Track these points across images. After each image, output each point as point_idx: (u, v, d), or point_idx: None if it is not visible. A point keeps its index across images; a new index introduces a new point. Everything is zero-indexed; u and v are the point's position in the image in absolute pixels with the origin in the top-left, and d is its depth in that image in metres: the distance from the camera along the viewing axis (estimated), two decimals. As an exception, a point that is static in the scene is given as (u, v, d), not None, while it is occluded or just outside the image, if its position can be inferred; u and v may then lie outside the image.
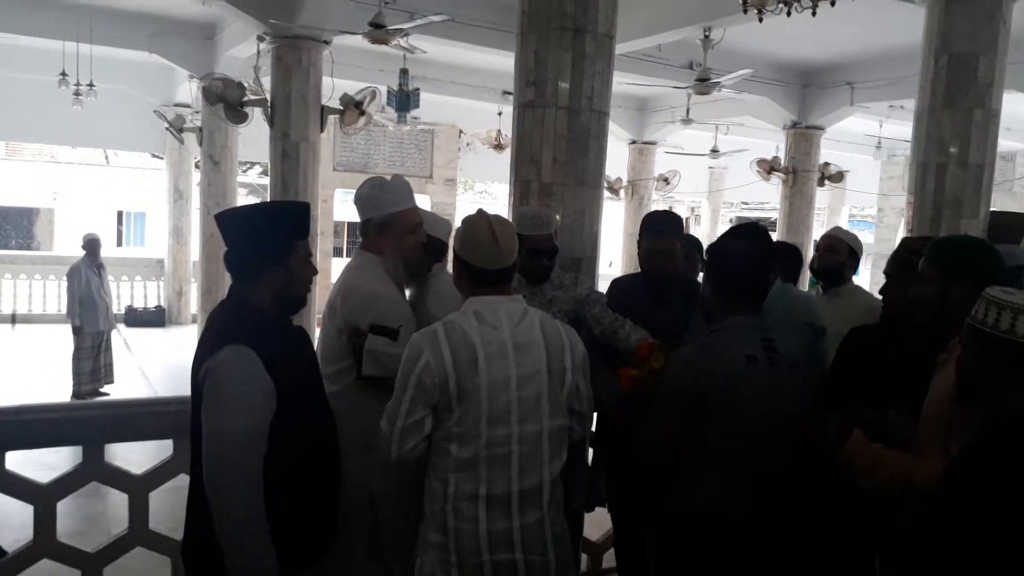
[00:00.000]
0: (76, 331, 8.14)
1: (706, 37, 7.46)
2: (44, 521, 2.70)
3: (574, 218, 3.81)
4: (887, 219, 18.52)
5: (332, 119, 8.43)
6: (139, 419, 2.87)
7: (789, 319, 2.74)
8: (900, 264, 2.52)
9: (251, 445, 1.99)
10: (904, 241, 2.81)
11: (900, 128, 12.49)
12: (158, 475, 2.85)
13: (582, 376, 2.24)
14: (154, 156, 18.53)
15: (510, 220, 2.85)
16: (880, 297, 2.65)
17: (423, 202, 16.00)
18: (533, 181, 3.81)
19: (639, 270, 3.35)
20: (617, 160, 15.31)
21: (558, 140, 3.76)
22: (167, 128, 11.08)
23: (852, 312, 3.10)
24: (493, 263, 2.15)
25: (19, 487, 2.69)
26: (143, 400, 3.29)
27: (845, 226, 21.17)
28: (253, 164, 20.66)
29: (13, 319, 12.94)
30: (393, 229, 2.72)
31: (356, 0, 7.05)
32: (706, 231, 21.27)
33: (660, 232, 3.18)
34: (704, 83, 7.67)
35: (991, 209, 5.57)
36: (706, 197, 21.39)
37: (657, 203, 15.93)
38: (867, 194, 18.12)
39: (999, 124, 5.42)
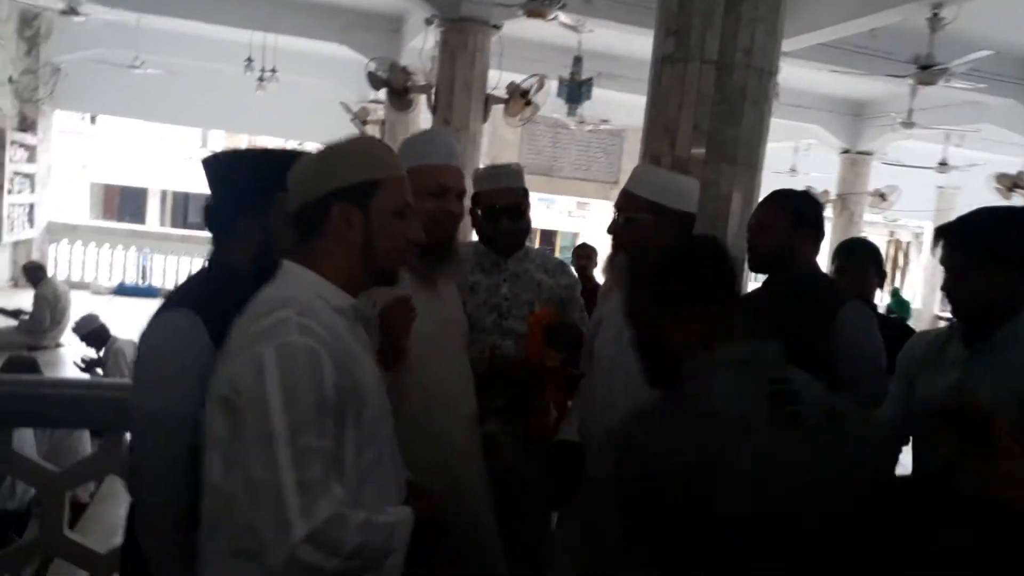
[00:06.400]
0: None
1: (935, 16, 6.17)
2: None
3: (716, 204, 2.96)
4: None
5: (513, 123, 7.96)
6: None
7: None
8: None
9: (175, 431, 1.53)
10: None
11: None
12: (78, 472, 2.45)
13: None
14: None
15: None
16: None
17: (605, 208, 15.36)
18: (664, 155, 3.02)
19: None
20: (826, 170, 13.83)
21: (701, 103, 2.94)
22: (352, 120, 11.20)
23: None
24: None
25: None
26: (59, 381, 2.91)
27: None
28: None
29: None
30: (411, 187, 2.15)
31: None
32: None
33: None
34: (929, 71, 6.35)
35: None
36: (932, 219, 18.93)
37: (870, 223, 14.22)
38: None
39: None
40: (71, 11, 8.54)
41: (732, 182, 2.98)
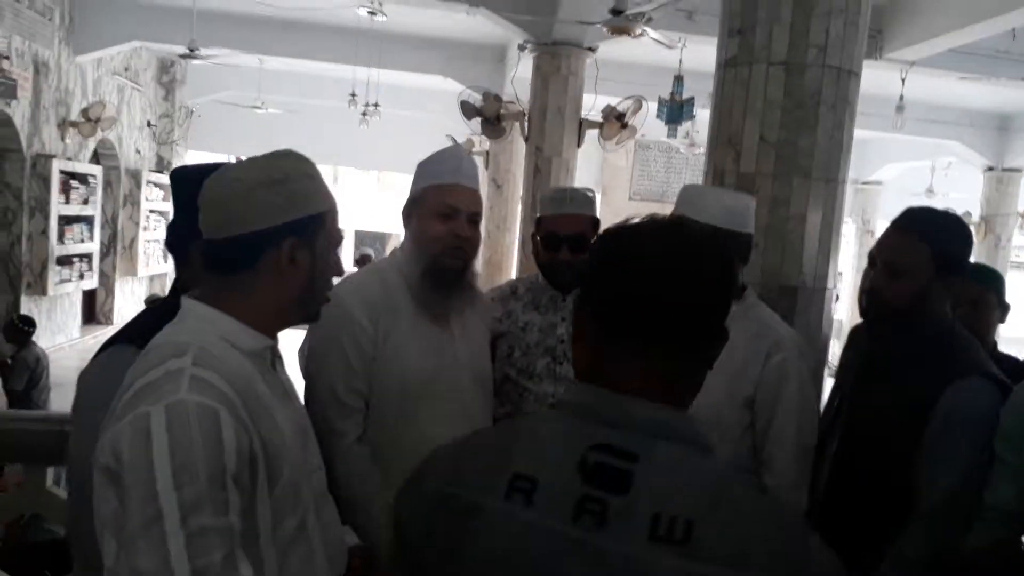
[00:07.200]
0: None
1: (1082, 10, 5.44)
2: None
3: (788, 225, 2.58)
4: None
5: (610, 148, 7.66)
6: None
7: None
8: None
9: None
10: None
11: None
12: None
13: None
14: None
15: None
16: None
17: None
18: (729, 171, 2.66)
19: None
20: (969, 190, 12.69)
21: (768, 110, 2.57)
22: (457, 152, 11.24)
23: None
24: None
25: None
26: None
27: None
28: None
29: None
30: (419, 210, 2.00)
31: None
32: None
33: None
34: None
35: None
36: (1100, 243, 17.07)
37: (1019, 248, 12.91)
38: None
39: None
40: (191, 55, 8.97)
41: (807, 199, 2.58)
